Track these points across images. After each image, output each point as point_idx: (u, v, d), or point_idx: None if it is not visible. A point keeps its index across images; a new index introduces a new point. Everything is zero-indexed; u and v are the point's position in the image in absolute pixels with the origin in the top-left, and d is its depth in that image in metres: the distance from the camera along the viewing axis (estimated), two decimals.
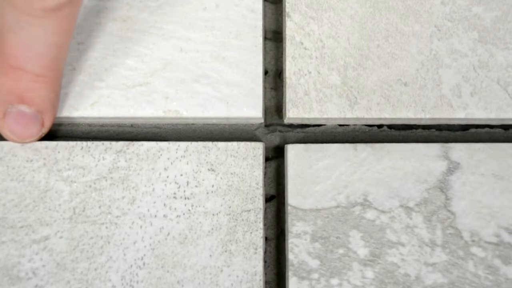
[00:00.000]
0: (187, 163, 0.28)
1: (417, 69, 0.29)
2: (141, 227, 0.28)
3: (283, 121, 0.30)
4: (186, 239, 0.28)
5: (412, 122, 0.29)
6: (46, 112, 0.26)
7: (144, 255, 0.27)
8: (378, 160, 0.28)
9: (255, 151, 0.28)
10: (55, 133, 0.29)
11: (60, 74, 0.26)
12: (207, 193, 0.28)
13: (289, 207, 0.28)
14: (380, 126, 0.30)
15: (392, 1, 0.29)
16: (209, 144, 0.28)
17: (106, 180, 0.28)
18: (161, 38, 0.29)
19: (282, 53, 0.30)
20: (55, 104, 0.27)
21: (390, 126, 0.30)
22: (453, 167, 0.28)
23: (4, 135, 0.27)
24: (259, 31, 0.29)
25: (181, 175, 0.28)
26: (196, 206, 0.28)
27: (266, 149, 0.30)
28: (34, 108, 0.26)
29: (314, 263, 0.27)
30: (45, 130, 0.27)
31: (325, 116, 0.28)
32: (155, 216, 0.28)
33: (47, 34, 0.24)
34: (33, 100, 0.26)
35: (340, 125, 0.30)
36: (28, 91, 0.25)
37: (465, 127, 0.30)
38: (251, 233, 0.28)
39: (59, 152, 0.28)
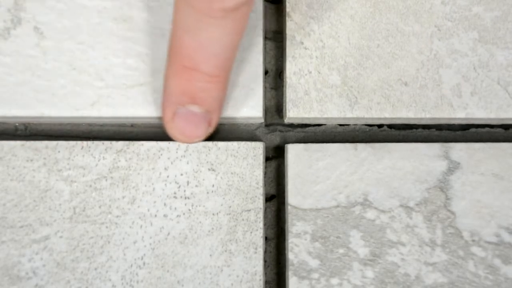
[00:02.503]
0: (187, 163, 0.28)
1: (417, 68, 0.29)
2: (141, 226, 0.28)
3: (283, 121, 0.30)
4: (186, 239, 0.28)
5: (412, 122, 0.29)
6: (214, 112, 0.26)
7: (144, 254, 0.27)
8: (378, 160, 0.28)
9: (255, 150, 0.28)
10: (55, 133, 0.29)
11: (230, 74, 0.26)
12: (207, 192, 0.28)
13: (289, 207, 0.28)
14: (380, 126, 0.30)
15: (392, 1, 0.29)
16: (209, 143, 0.28)
17: (106, 180, 0.28)
18: (161, 37, 0.29)
19: (282, 53, 0.30)
20: (223, 104, 0.27)
21: (390, 126, 0.30)
22: (453, 167, 0.28)
23: (172, 136, 0.27)
24: (260, 31, 0.29)
25: (181, 174, 0.28)
26: (196, 206, 0.28)
27: (266, 148, 0.30)
28: (204, 108, 0.26)
29: (314, 263, 0.27)
30: (211, 129, 0.27)
31: (325, 116, 0.28)
32: (155, 215, 0.28)
33: (223, 34, 0.24)
34: (205, 100, 0.26)
35: (340, 125, 0.30)
36: (202, 92, 0.25)
37: (465, 127, 0.30)
38: (251, 232, 0.28)
39: (59, 151, 0.28)
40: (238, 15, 0.24)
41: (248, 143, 0.28)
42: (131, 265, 0.27)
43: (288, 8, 0.29)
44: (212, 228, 0.28)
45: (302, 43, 0.29)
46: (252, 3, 0.24)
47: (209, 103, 0.26)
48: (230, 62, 0.26)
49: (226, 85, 0.26)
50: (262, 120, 0.29)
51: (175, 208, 0.28)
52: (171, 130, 0.27)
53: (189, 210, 0.28)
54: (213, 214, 0.28)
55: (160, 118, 0.29)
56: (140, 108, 0.28)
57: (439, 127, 0.30)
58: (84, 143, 0.28)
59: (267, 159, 0.30)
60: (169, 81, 0.26)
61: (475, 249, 0.28)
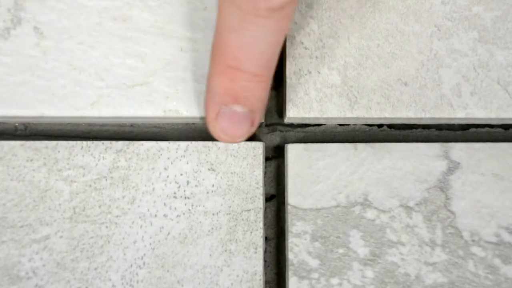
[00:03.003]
0: (187, 163, 0.28)
1: (417, 68, 0.29)
2: (141, 226, 0.28)
3: (283, 120, 0.30)
4: (186, 239, 0.28)
5: (412, 122, 0.29)
6: (257, 111, 0.26)
7: (144, 254, 0.27)
8: (378, 159, 0.28)
9: (255, 150, 0.28)
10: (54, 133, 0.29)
11: (273, 73, 0.26)
12: (207, 192, 0.28)
13: (289, 207, 0.28)
14: (380, 126, 0.30)
15: (392, 1, 0.29)
16: (209, 143, 0.28)
17: (106, 180, 0.28)
18: (161, 37, 0.29)
19: (282, 53, 0.30)
20: (265, 103, 0.27)
21: (390, 126, 0.30)
22: (453, 167, 0.28)
23: (215, 135, 0.27)
24: None
25: (181, 174, 0.28)
26: (196, 206, 0.28)
27: (266, 148, 0.30)
28: (247, 108, 0.26)
29: (314, 263, 0.27)
30: (253, 129, 0.27)
31: (325, 116, 0.28)
32: (155, 215, 0.28)
33: (268, 33, 0.24)
34: (248, 99, 0.26)
35: (340, 125, 0.30)
36: (245, 91, 0.25)
37: (465, 127, 0.30)
38: (251, 232, 0.28)
39: (59, 151, 0.28)
40: (283, 14, 0.24)
41: (248, 143, 0.28)
42: (131, 265, 0.27)
43: None
44: (212, 228, 0.28)
45: (302, 43, 0.29)
46: (296, 2, 0.24)
47: (252, 102, 0.26)
48: (274, 61, 0.26)
49: (269, 84, 0.26)
50: (262, 120, 0.29)
51: (175, 208, 0.28)
52: (214, 130, 0.27)
53: (189, 210, 0.28)
54: (213, 214, 0.28)
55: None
56: (140, 108, 0.28)
57: (439, 127, 0.30)
58: (84, 143, 0.28)
59: (267, 159, 0.30)
60: (212, 80, 0.26)
61: (475, 249, 0.28)
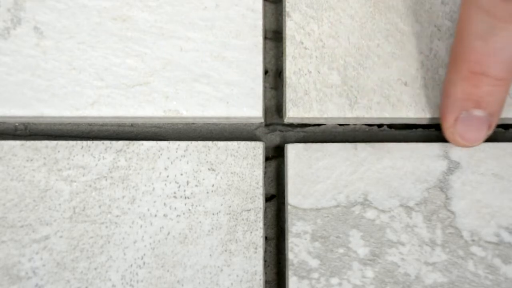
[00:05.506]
0: (187, 163, 0.28)
1: (417, 68, 0.29)
2: (141, 226, 0.28)
3: (283, 120, 0.30)
4: (186, 239, 0.28)
5: (412, 122, 0.29)
6: (495, 115, 0.27)
7: (144, 254, 0.27)
8: (378, 159, 0.28)
9: (255, 150, 0.28)
10: (55, 133, 0.30)
11: None
12: (207, 192, 0.28)
13: (289, 207, 0.28)
14: (380, 126, 0.30)
15: (392, 0, 0.29)
16: (209, 143, 0.28)
17: (106, 180, 0.28)
18: (161, 37, 0.29)
19: (282, 53, 0.30)
20: (503, 107, 0.27)
21: (390, 126, 0.30)
22: (453, 167, 0.28)
23: (451, 140, 0.28)
24: (259, 31, 0.29)
25: (181, 174, 0.28)
26: (196, 206, 0.28)
27: (266, 148, 0.30)
28: (487, 112, 0.26)
29: (314, 263, 0.27)
30: (490, 132, 0.27)
31: (325, 116, 0.28)
32: (155, 215, 0.28)
33: None
34: (490, 104, 0.26)
35: (340, 125, 0.30)
36: (487, 95, 0.26)
37: None
38: (251, 232, 0.28)
39: (59, 151, 0.28)
40: None
41: (248, 143, 0.28)
42: (131, 265, 0.27)
43: (288, 8, 0.29)
44: (212, 228, 0.28)
45: (302, 43, 0.29)
46: None
47: (493, 106, 0.26)
48: None
49: (509, 87, 0.27)
50: (262, 120, 0.29)
51: (175, 208, 0.28)
52: (451, 135, 0.27)
53: (189, 210, 0.28)
54: (213, 214, 0.28)
55: (160, 118, 0.29)
56: (140, 108, 0.28)
57: (439, 127, 0.30)
58: (84, 143, 0.28)
59: (267, 159, 0.30)
60: (453, 86, 0.26)
61: (475, 249, 0.28)
